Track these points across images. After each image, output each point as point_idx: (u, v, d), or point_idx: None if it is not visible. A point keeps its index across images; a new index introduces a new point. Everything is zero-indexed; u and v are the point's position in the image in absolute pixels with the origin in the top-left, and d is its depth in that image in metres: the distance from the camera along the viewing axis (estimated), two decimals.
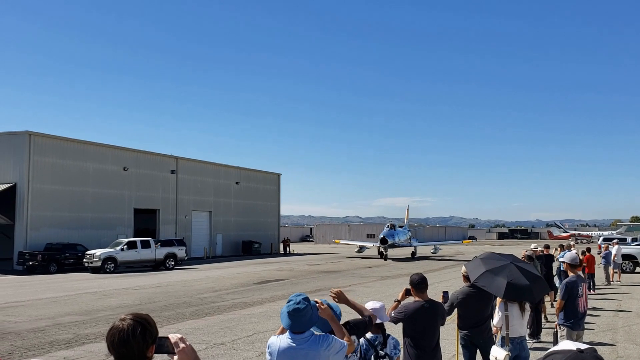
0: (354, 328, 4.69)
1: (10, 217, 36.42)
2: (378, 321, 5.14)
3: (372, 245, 50.08)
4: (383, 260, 43.43)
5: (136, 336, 2.52)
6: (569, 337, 8.19)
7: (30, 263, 32.77)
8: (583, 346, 1.94)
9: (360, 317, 4.70)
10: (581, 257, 20.52)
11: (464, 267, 7.59)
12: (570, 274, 8.70)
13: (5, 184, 36.50)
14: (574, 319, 8.31)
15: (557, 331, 8.65)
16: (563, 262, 9.66)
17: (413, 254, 47.36)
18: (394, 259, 44.11)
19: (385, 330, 5.28)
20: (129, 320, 2.58)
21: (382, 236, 45.01)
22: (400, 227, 53.27)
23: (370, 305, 5.22)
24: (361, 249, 50.30)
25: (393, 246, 45.61)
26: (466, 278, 7.54)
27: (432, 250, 49.34)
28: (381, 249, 45.33)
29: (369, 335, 5.14)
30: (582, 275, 9.65)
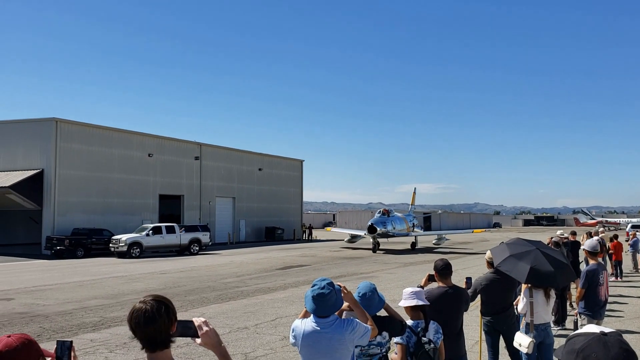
0: (389, 324, 4.70)
1: (38, 202, 37.13)
2: (420, 303, 5.13)
3: (364, 234, 40.97)
4: (372, 252, 36.74)
5: (162, 314, 2.59)
6: None
7: (58, 248, 33.42)
8: (607, 330, 1.89)
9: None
10: (609, 245, 20.24)
11: (488, 253, 7.50)
12: (591, 262, 8.59)
13: (33, 170, 37.16)
14: (594, 308, 8.20)
15: (577, 319, 8.55)
16: (583, 249, 9.49)
17: (413, 244, 40.40)
18: (388, 251, 37.97)
19: (427, 315, 5.23)
20: (151, 301, 2.64)
21: (370, 223, 38.06)
22: (403, 213, 48.41)
23: (409, 289, 5.22)
24: (353, 238, 43.89)
25: (386, 235, 38.94)
26: (490, 264, 7.45)
27: (433, 241, 42.64)
28: (370, 239, 38.62)
29: (410, 322, 5.11)
30: (603, 263, 9.53)
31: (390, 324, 4.73)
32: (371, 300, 4.62)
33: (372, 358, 4.64)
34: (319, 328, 3.91)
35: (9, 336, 2.38)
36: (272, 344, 10.29)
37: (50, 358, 2.51)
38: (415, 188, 55.24)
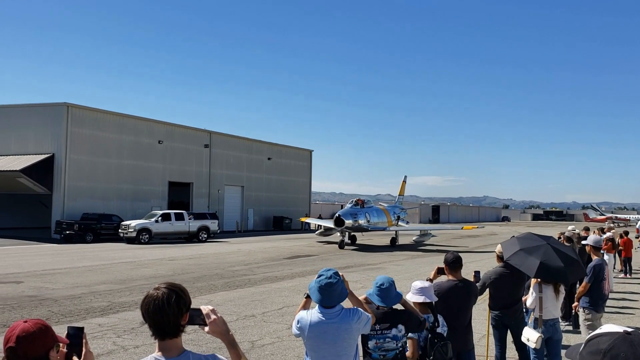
0: (408, 319, 4.69)
1: (49, 187, 37.35)
2: (427, 300, 5.12)
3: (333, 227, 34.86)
4: (339, 247, 31.54)
5: (171, 304, 2.57)
6: (593, 320, 8.19)
7: (67, 232, 33.63)
8: (628, 328, 1.85)
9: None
10: (618, 241, 20.11)
11: (498, 246, 7.46)
12: (595, 257, 8.64)
13: (44, 154, 37.36)
14: (598, 302, 8.30)
15: (576, 313, 8.60)
16: (586, 244, 9.53)
17: (394, 240, 35.36)
18: (362, 247, 33.46)
19: (435, 309, 5.23)
20: (164, 289, 2.63)
21: (337, 215, 32.97)
22: (390, 204, 44.54)
23: (418, 284, 5.21)
24: (326, 231, 38.18)
25: (359, 229, 33.91)
26: (500, 258, 7.40)
27: (414, 238, 36.41)
28: (338, 233, 33.50)
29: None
30: (605, 258, 9.68)
31: (409, 319, 4.72)
32: (388, 291, 4.62)
33: (387, 354, 4.61)
34: (325, 318, 3.90)
35: (26, 321, 2.40)
36: (278, 332, 10.32)
37: (62, 343, 2.52)
38: (405, 176, 49.30)
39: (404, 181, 48.80)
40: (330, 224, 36.43)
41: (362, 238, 38.16)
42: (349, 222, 32.43)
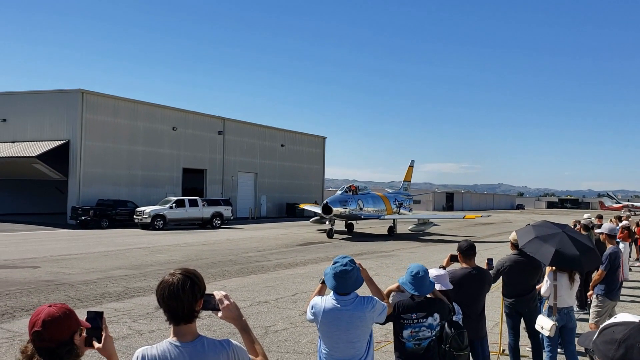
0: (441, 307, 4.69)
1: (64, 172, 37.71)
2: (442, 288, 5.10)
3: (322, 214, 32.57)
4: (327, 236, 29.57)
5: (186, 290, 2.60)
6: (607, 307, 8.23)
7: (83, 218, 33.98)
8: None
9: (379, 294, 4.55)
10: (635, 229, 19.88)
11: (513, 234, 7.41)
12: (609, 245, 8.64)
13: (59, 140, 37.68)
14: (613, 290, 8.33)
15: (590, 301, 8.62)
16: (601, 232, 9.51)
17: (391, 229, 33.16)
18: (358, 235, 31.83)
19: (450, 297, 5.22)
20: (179, 275, 2.65)
21: (325, 202, 30.89)
22: (395, 190, 42.50)
23: (433, 272, 5.18)
24: (322, 218, 33.30)
25: (350, 217, 32.07)
26: (514, 246, 7.36)
27: (410, 227, 34.40)
28: (326, 221, 31.23)
29: None
30: (620, 247, 9.72)
31: (443, 307, 4.72)
32: (423, 280, 4.60)
33: (421, 342, 4.58)
34: (339, 305, 3.91)
35: (50, 305, 2.43)
36: (292, 318, 10.37)
37: (84, 327, 2.55)
38: (412, 161, 45.60)
39: (411, 166, 45.38)
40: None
41: (356, 226, 35.75)
42: (337, 209, 30.30)
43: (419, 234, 33.35)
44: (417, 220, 35.29)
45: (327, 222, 30.84)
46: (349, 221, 33.35)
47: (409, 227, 34.25)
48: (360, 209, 32.20)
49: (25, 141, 39.01)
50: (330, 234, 29.81)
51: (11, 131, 40.11)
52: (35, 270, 15.94)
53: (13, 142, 39.37)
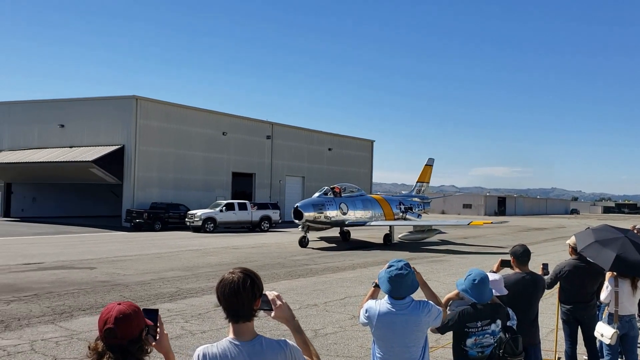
0: (504, 313, 4.62)
1: (119, 177, 38.90)
2: (497, 293, 4.99)
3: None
4: (299, 245, 25.72)
5: (246, 288, 2.64)
6: None
7: (137, 220, 34.98)
8: None
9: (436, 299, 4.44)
10: None
11: (572, 238, 7.17)
12: None
13: (115, 145, 38.89)
14: None
15: None
16: None
17: (387, 237, 28.71)
18: (351, 244, 28.00)
19: (504, 303, 5.11)
20: (239, 273, 2.69)
21: (296, 206, 26.80)
22: (409, 192, 38.16)
23: (490, 276, 5.09)
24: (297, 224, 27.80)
25: (327, 223, 27.41)
26: (573, 250, 7.11)
27: (400, 235, 28.81)
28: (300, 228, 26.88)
29: None
30: None
31: (503, 312, 4.64)
32: (485, 287, 4.52)
33: (484, 350, 4.48)
34: (394, 310, 3.87)
35: (119, 303, 2.50)
36: (341, 322, 10.35)
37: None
38: (431, 160, 39.59)
39: (428, 165, 39.32)
40: None
41: (357, 233, 32.13)
42: (309, 214, 26.28)
43: (421, 244, 28.43)
44: (412, 227, 29.83)
45: (299, 229, 26.94)
46: (345, 228, 29.70)
47: (399, 236, 28.78)
48: (344, 213, 27.95)
49: (82, 146, 40.45)
50: (302, 242, 25.80)
51: (69, 137, 41.68)
52: (92, 271, 16.46)
53: (70, 147, 40.92)
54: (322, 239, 30.10)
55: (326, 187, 28.96)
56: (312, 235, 28.10)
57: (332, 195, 28.15)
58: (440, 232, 31.68)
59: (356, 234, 31.80)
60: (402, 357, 3.88)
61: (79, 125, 41.45)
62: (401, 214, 32.14)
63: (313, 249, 25.04)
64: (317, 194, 28.43)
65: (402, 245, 27.57)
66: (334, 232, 30.20)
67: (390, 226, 29.12)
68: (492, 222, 34.69)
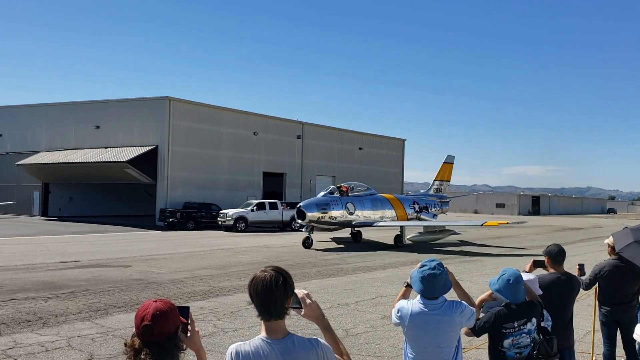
0: (539, 311, 4.56)
1: (153, 177, 39.55)
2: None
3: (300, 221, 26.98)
4: (303, 247, 24.74)
5: (279, 286, 2.65)
6: None
7: (170, 220, 35.50)
8: None
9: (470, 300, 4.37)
10: None
11: (610, 238, 6.98)
12: None
13: (148, 146, 39.54)
14: None
15: None
16: None
17: (398, 237, 27.02)
18: (362, 245, 26.70)
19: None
20: (271, 271, 2.70)
21: (299, 206, 26.07)
22: (426, 190, 36.70)
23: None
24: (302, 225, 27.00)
25: (333, 224, 26.58)
26: (612, 250, 6.92)
27: (410, 237, 27.18)
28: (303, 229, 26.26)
29: None
30: None
31: (538, 310, 4.57)
32: (519, 287, 4.45)
33: (522, 351, 4.41)
34: (427, 310, 3.83)
35: (156, 301, 2.54)
36: (372, 321, 10.31)
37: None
38: (451, 157, 37.77)
39: (448, 162, 37.40)
40: None
41: (368, 234, 31.34)
42: (313, 214, 25.34)
43: (434, 245, 27.47)
44: (422, 228, 28.40)
45: (303, 230, 26.12)
46: (357, 229, 28.70)
47: (409, 237, 27.22)
48: (351, 213, 27.00)
49: (117, 147, 41.24)
50: (305, 243, 24.82)
51: (104, 137, 42.53)
52: (126, 269, 16.75)
53: (105, 147, 41.75)
54: (332, 239, 29.29)
55: (332, 186, 28.12)
56: (324, 236, 27.61)
57: (338, 195, 27.09)
58: (455, 233, 30.18)
59: (366, 234, 30.91)
60: (434, 357, 3.84)
61: (114, 126, 42.27)
62: (415, 213, 30.90)
63: (317, 250, 24.23)
64: (322, 193, 27.43)
65: (421, 248, 25.56)
66: (345, 232, 29.51)
67: (401, 227, 27.65)
68: (507, 223, 32.68)
